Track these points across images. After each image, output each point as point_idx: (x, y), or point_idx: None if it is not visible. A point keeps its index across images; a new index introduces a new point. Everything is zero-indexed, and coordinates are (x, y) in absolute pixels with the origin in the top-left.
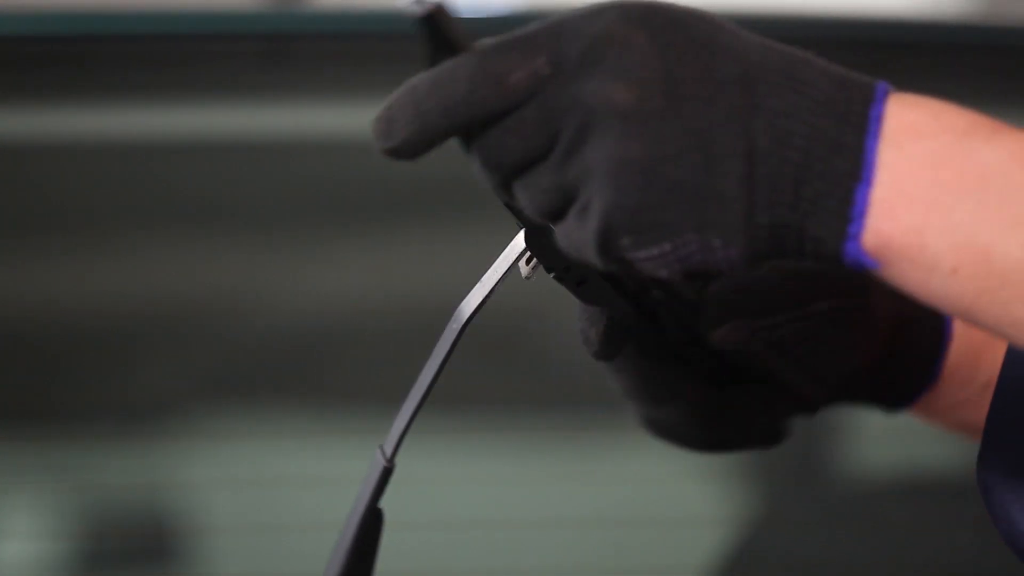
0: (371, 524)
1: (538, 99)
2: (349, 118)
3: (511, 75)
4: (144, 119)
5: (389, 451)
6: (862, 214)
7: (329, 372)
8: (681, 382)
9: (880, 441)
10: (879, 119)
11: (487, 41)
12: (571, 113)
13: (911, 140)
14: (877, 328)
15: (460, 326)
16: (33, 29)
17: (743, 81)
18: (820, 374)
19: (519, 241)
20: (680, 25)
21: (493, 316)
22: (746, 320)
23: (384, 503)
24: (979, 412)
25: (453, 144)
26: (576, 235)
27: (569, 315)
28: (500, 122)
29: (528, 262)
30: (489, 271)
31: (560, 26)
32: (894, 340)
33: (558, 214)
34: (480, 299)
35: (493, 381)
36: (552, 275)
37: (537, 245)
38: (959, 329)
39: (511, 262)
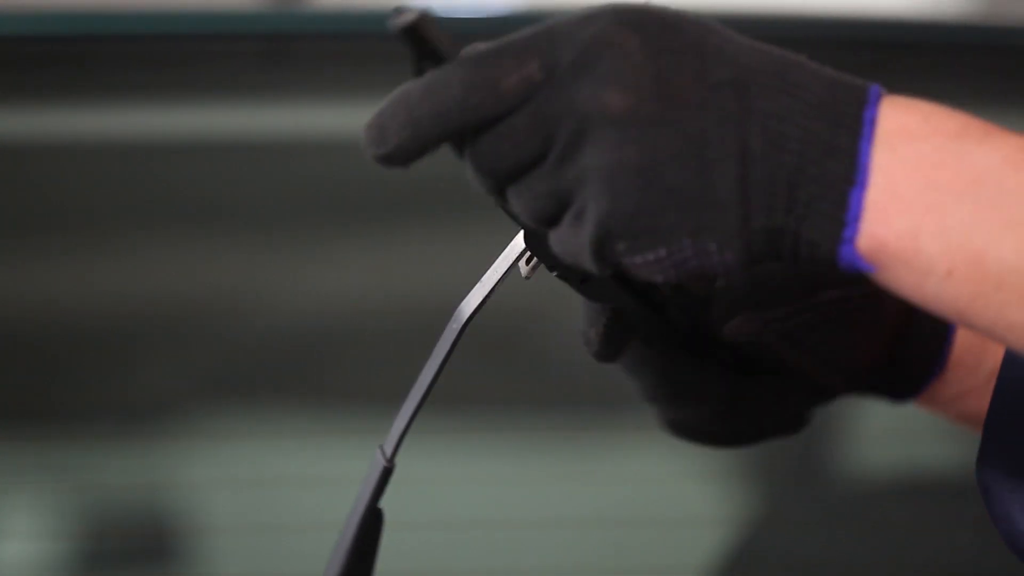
0: (371, 524)
1: (532, 105)
2: (349, 118)
3: (504, 80)
4: (144, 119)
5: (389, 451)
6: (856, 218)
7: (329, 372)
8: (699, 376)
9: (880, 441)
10: (872, 122)
11: (480, 45)
12: (565, 119)
13: (904, 143)
14: (885, 316)
15: (460, 326)
16: (33, 29)
17: (736, 85)
18: (833, 363)
19: (519, 241)
20: (672, 29)
21: (493, 316)
22: (756, 312)
23: (384, 503)
24: (985, 401)
25: None
26: (571, 241)
27: (569, 315)
28: (493, 128)
29: (528, 262)
30: (489, 271)
31: (553, 31)
32: (901, 328)
33: (553, 220)
34: (480, 299)
35: (493, 381)
36: (555, 274)
37: (537, 245)
38: None
39: (511, 262)
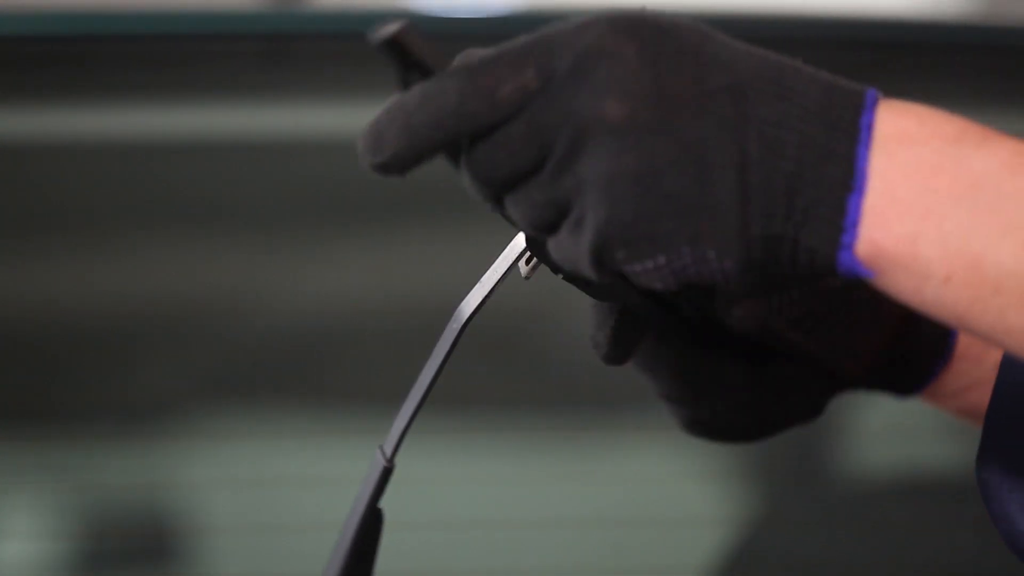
0: (371, 524)
1: (529, 113)
2: (349, 118)
3: (501, 88)
4: (144, 119)
5: (389, 451)
6: (855, 223)
7: (329, 372)
8: (715, 369)
9: (880, 441)
10: (870, 127)
11: (475, 52)
12: (562, 128)
13: (902, 147)
14: (890, 304)
15: (460, 326)
16: (33, 29)
17: (733, 91)
18: (843, 349)
19: (519, 241)
20: (669, 36)
21: (493, 316)
22: (762, 299)
23: (384, 503)
24: (989, 395)
25: None
26: (570, 249)
27: (569, 315)
28: (490, 136)
29: (528, 262)
30: (489, 271)
31: (549, 39)
32: (907, 318)
33: (551, 227)
34: (480, 299)
35: (493, 381)
36: (560, 276)
37: (539, 247)
38: None
39: (511, 262)
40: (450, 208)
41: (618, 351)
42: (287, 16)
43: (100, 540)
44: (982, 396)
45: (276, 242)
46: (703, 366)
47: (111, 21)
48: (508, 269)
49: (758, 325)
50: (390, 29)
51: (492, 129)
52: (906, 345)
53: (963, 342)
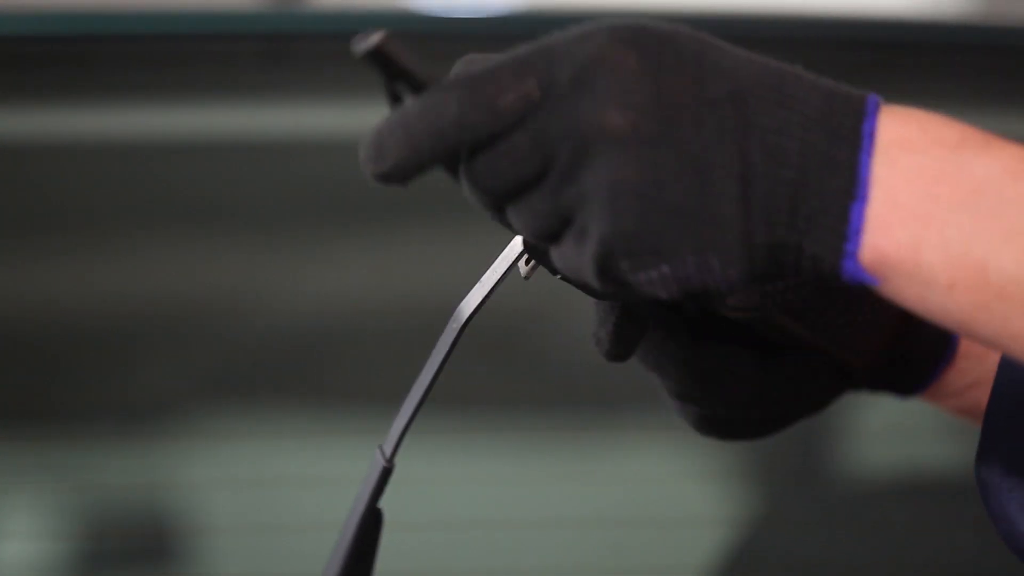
0: (371, 524)
1: (530, 124)
2: (349, 118)
3: (502, 98)
4: (144, 119)
5: (389, 451)
6: (858, 231)
7: (329, 372)
8: (723, 362)
9: (880, 441)
10: (871, 135)
11: (476, 56)
12: (565, 139)
13: (903, 154)
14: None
15: (460, 326)
16: (33, 29)
17: (734, 99)
18: (843, 340)
19: (518, 241)
20: (669, 45)
21: (493, 316)
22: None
23: (384, 503)
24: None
25: None
26: (574, 259)
27: (569, 315)
28: (492, 146)
29: (528, 262)
30: (489, 271)
31: (549, 49)
32: (908, 315)
33: (553, 236)
34: (480, 299)
35: (493, 381)
36: (559, 277)
37: (537, 250)
38: None
39: (511, 262)
40: (450, 208)
41: (620, 348)
42: (287, 16)
43: (100, 540)
44: (984, 395)
45: (276, 242)
46: (711, 359)
47: (111, 21)
48: (508, 269)
49: (751, 311)
50: (373, 39)
51: (493, 139)
52: (908, 343)
53: (965, 341)
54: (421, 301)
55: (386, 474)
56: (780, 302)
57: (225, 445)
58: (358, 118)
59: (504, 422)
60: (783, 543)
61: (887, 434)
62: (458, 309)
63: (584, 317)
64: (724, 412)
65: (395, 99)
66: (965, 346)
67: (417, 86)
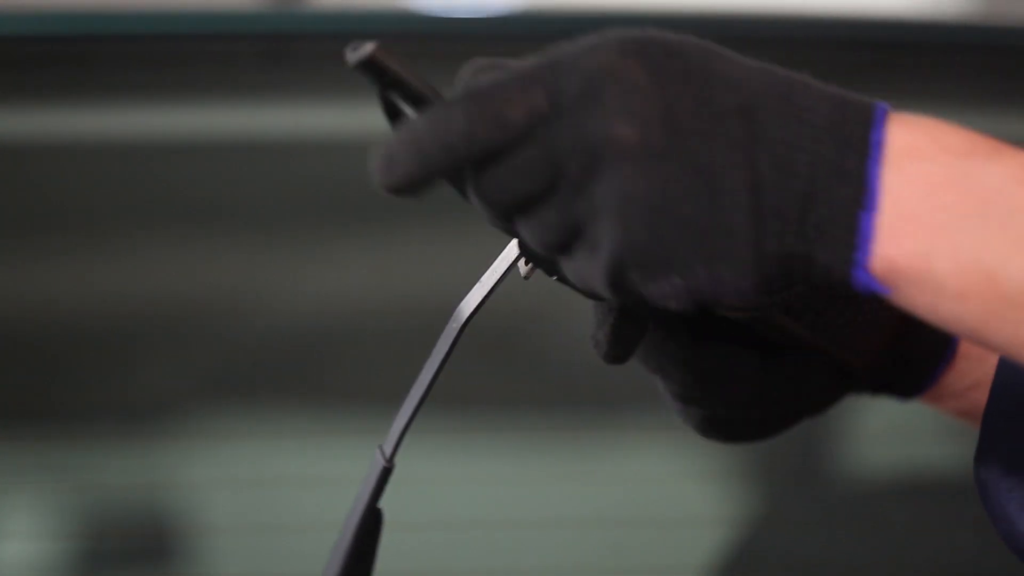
0: (370, 524)
1: (539, 137)
2: (349, 118)
3: (509, 111)
4: (144, 119)
5: (389, 451)
6: (868, 241)
7: (329, 372)
8: (725, 361)
9: (880, 441)
10: (880, 144)
11: (481, 60)
12: (574, 151)
13: (912, 163)
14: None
15: (460, 326)
16: (33, 29)
17: (743, 111)
18: (847, 346)
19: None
20: (677, 57)
21: (493, 316)
22: None
23: (384, 503)
24: None
25: None
26: (585, 270)
27: (569, 315)
28: (501, 159)
29: (527, 263)
30: (488, 271)
31: (557, 61)
32: (908, 316)
33: (564, 248)
34: (480, 299)
35: (493, 381)
36: (554, 278)
37: (533, 252)
38: None
39: (510, 262)
40: (450, 208)
41: (618, 349)
42: (287, 16)
43: (100, 540)
44: (984, 396)
45: (276, 242)
46: (711, 359)
47: (111, 21)
48: (508, 269)
49: (752, 315)
50: (365, 50)
51: (501, 152)
52: (908, 343)
53: (965, 342)
54: (421, 301)
55: (386, 474)
56: (780, 302)
57: (225, 445)
58: (358, 118)
59: (504, 422)
60: (783, 543)
61: (887, 434)
62: (458, 309)
63: (584, 317)
64: (725, 412)
65: (389, 108)
66: (965, 347)
67: (411, 95)
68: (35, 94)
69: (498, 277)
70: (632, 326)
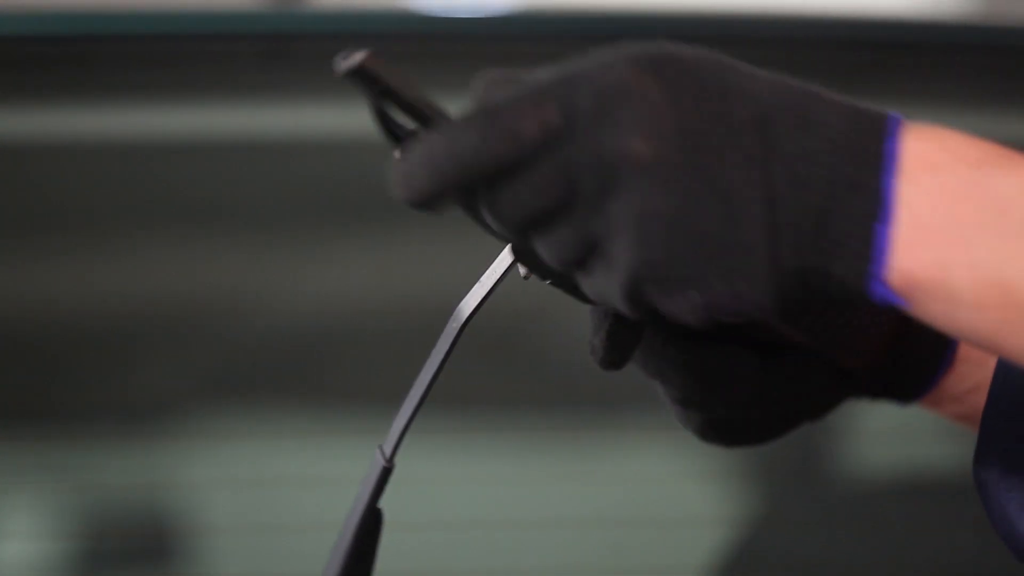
0: (370, 524)
1: (553, 153)
2: (349, 118)
3: (522, 125)
4: (144, 119)
5: (388, 451)
6: (884, 253)
7: (329, 372)
8: (724, 361)
9: (880, 441)
10: (894, 156)
11: (493, 72)
12: (589, 168)
13: (926, 174)
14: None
15: (460, 326)
16: (33, 29)
17: (758, 125)
18: (846, 347)
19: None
20: (691, 72)
21: (493, 316)
22: None
23: (384, 503)
24: None
25: None
26: (603, 287)
27: (569, 315)
28: (515, 175)
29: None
30: (488, 271)
31: (570, 76)
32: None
33: (580, 263)
34: (479, 299)
35: (493, 381)
36: (548, 282)
37: (526, 257)
38: None
39: (510, 262)
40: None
41: (614, 354)
42: (287, 16)
43: (100, 540)
44: (983, 400)
45: (276, 242)
46: (711, 361)
47: (111, 21)
48: (508, 269)
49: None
50: (356, 58)
51: (515, 168)
52: (908, 343)
53: (965, 345)
54: (421, 301)
55: (386, 474)
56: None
57: (225, 445)
58: (358, 118)
59: (504, 422)
60: (783, 543)
61: (887, 434)
62: (458, 309)
63: (584, 317)
64: (725, 416)
65: (381, 117)
66: (965, 350)
67: (403, 104)
68: (35, 94)
69: (498, 277)
70: (628, 331)
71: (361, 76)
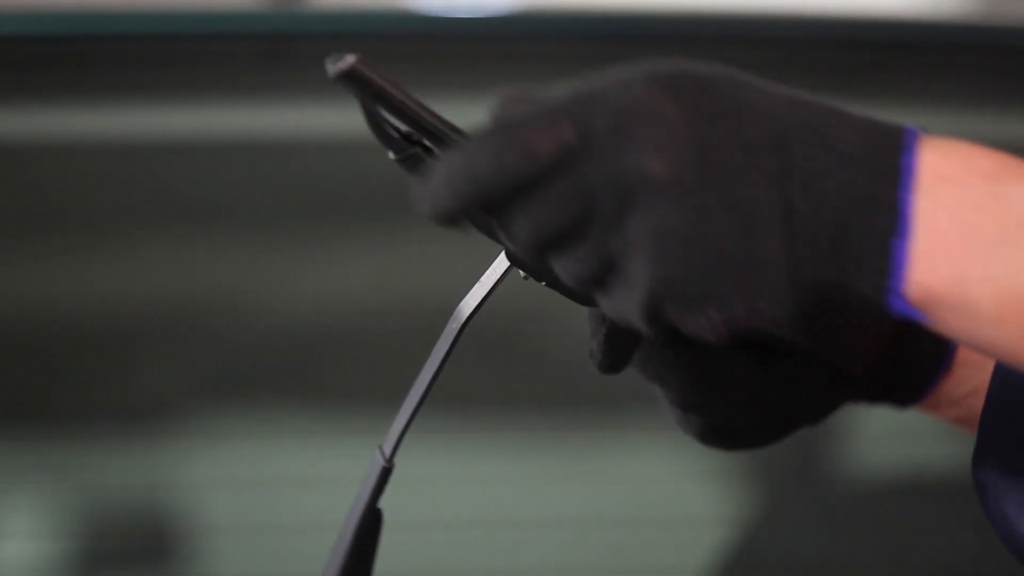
0: (370, 524)
1: (569, 171)
2: (349, 118)
3: (537, 143)
4: (144, 119)
5: (388, 451)
6: (902, 268)
7: (329, 372)
8: (723, 363)
9: (880, 441)
10: (911, 170)
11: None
12: (606, 187)
13: (944, 188)
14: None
15: (460, 326)
16: (33, 29)
17: (774, 142)
18: (845, 348)
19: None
20: (707, 90)
21: (493, 316)
22: None
23: (384, 503)
24: None
25: None
26: (622, 306)
27: (569, 315)
28: (531, 195)
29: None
30: (488, 271)
31: (586, 95)
32: (905, 325)
33: (598, 282)
34: (479, 299)
35: (493, 381)
36: (544, 284)
37: (522, 259)
38: None
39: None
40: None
41: (612, 358)
42: (287, 16)
43: (100, 540)
44: (982, 403)
45: (276, 242)
46: (710, 363)
47: (111, 21)
48: (508, 269)
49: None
50: (346, 61)
51: (531, 185)
52: (907, 344)
53: (963, 349)
54: (421, 301)
55: (386, 474)
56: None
57: (225, 445)
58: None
59: (504, 422)
60: (783, 543)
61: (887, 435)
62: (458, 309)
63: (584, 317)
64: (725, 417)
65: (372, 120)
66: (963, 354)
67: (394, 107)
68: (35, 94)
69: (498, 277)
70: (626, 335)
71: (351, 79)
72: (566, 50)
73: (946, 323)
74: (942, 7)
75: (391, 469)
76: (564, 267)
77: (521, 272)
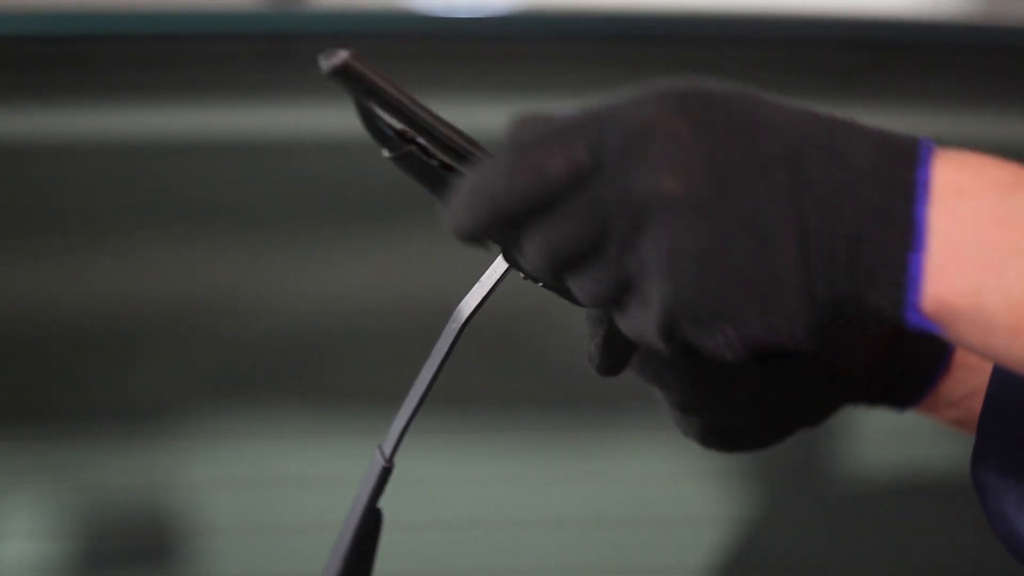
0: (370, 524)
1: (583, 191)
2: (349, 118)
3: (550, 164)
4: (144, 119)
5: (388, 451)
6: (917, 281)
7: (329, 372)
8: (723, 368)
9: (880, 441)
10: (926, 184)
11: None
12: (621, 207)
13: (958, 201)
14: None
15: (459, 326)
16: (33, 29)
17: (787, 159)
18: (843, 348)
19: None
20: (720, 108)
21: (493, 316)
22: None
23: (384, 503)
24: None
25: None
26: (639, 325)
27: (568, 316)
28: (545, 213)
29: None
30: (488, 271)
31: (598, 115)
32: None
33: (614, 301)
34: (479, 299)
35: (493, 381)
36: (540, 284)
37: (517, 262)
38: None
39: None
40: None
41: (611, 360)
42: (287, 16)
43: (100, 540)
44: (980, 405)
45: (276, 242)
46: (710, 366)
47: (111, 21)
48: (507, 269)
49: None
50: (339, 57)
51: (545, 205)
52: (906, 344)
53: (961, 350)
54: (421, 301)
55: (386, 474)
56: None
57: (225, 445)
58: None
59: (504, 422)
60: (783, 543)
61: (887, 435)
62: (458, 309)
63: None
64: (725, 418)
65: (366, 115)
66: (961, 356)
67: (387, 102)
68: (35, 94)
69: (497, 278)
70: (624, 337)
71: (344, 75)
72: (566, 50)
73: (962, 335)
74: (942, 7)
75: (391, 469)
76: (580, 286)
77: (521, 272)
